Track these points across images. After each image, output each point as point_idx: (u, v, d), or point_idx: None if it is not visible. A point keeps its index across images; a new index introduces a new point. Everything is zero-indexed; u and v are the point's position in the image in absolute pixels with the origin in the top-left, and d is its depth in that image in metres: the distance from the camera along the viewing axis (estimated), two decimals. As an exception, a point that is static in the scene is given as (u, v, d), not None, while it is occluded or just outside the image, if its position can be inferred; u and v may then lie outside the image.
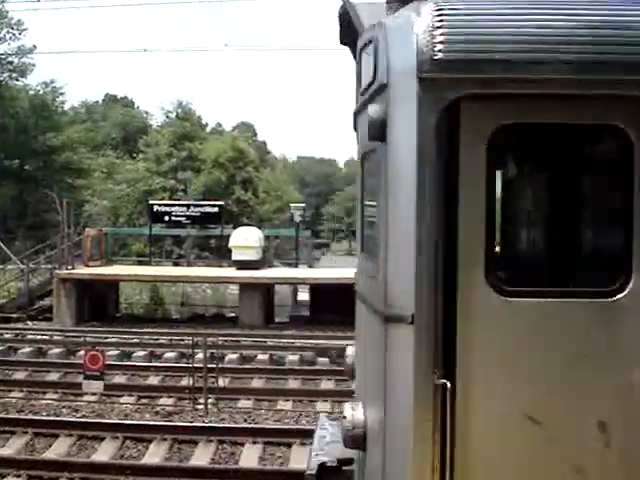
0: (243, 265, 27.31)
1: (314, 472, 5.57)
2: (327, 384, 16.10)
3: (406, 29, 3.75)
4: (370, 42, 4.33)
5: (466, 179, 3.67)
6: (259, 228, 33.52)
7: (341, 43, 6.08)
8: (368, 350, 4.59)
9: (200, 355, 14.57)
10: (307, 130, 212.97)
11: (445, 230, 3.68)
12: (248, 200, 56.31)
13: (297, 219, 36.87)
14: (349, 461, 5.34)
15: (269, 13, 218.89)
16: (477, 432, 3.68)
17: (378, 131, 3.90)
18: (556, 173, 4.05)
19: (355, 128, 5.58)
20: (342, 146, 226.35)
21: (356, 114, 5.19)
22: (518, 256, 4.14)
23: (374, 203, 4.35)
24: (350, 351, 6.37)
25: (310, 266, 38.84)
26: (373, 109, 3.90)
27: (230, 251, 29.21)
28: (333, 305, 24.35)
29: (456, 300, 3.65)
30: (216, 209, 34.79)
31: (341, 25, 5.69)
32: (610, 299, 3.67)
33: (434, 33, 3.65)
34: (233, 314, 27.70)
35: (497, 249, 3.84)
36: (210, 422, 12.60)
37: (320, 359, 18.52)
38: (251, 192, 57.22)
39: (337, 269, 34.85)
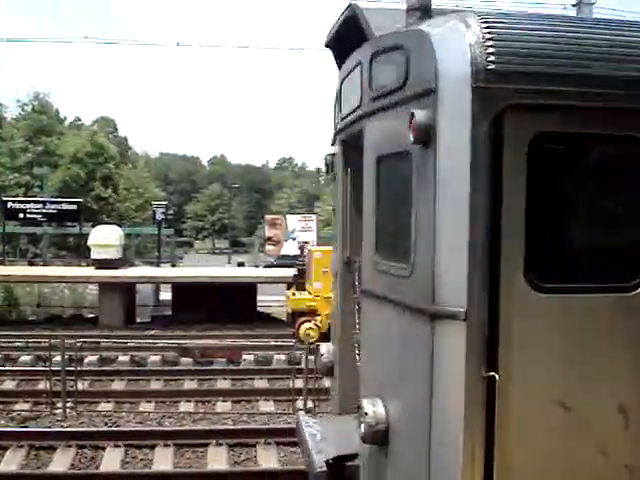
0: (103, 264, 26.66)
1: (324, 469, 5.60)
2: (190, 384, 16.03)
3: (457, 39, 3.97)
4: (398, 47, 4.53)
5: (509, 183, 3.91)
6: (119, 226, 32.89)
7: (327, 46, 6.43)
8: (391, 346, 4.69)
9: (58, 358, 14.17)
10: (170, 126, 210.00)
11: (491, 231, 3.91)
12: (108, 197, 55.10)
13: (159, 217, 36.45)
14: (351, 457, 5.50)
15: (132, 5, 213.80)
16: (516, 418, 3.94)
17: (424, 135, 4.02)
18: (589, 180, 4.36)
19: (339, 130, 6.13)
20: (205, 144, 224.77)
21: (358, 118, 5.40)
22: (553, 256, 4.33)
23: (403, 205, 4.43)
24: (325, 349, 6.65)
25: (173, 265, 38.52)
26: (420, 114, 3.99)
27: (89, 250, 28.55)
28: (196, 304, 24.37)
29: (499, 297, 3.90)
30: (74, 206, 33.84)
31: (338, 31, 5.94)
32: (631, 293, 4.10)
33: (486, 44, 3.88)
34: (92, 315, 26.94)
35: (535, 249, 4.04)
36: (69, 427, 12.29)
37: (183, 359, 18.42)
38: (111, 189, 56.02)
39: (200, 268, 34.78)
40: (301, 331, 19.41)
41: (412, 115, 4.05)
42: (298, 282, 22.99)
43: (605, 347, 4.12)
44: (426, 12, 4.61)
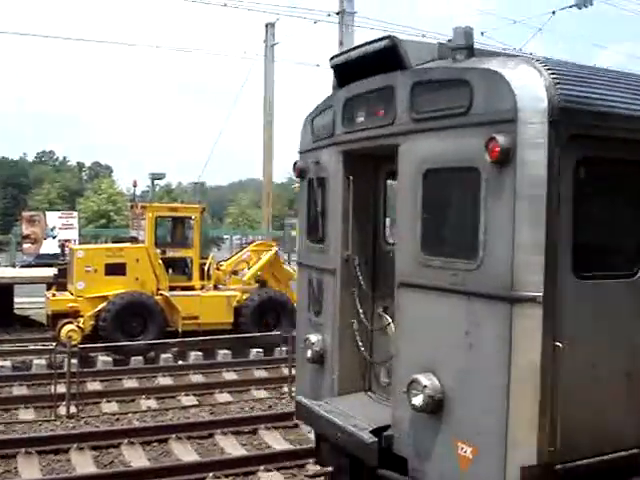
0: None
1: (375, 439, 6.25)
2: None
3: (534, 82, 5.27)
4: (461, 81, 5.60)
5: (564, 194, 5.25)
6: None
7: (333, 67, 7.29)
8: (449, 327, 5.68)
9: None
10: None
11: (555, 231, 5.20)
12: None
13: None
14: (384, 428, 6.36)
15: None
16: (574, 377, 5.36)
17: (504, 156, 5.14)
18: (618, 196, 5.94)
19: (338, 142, 7.19)
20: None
21: (385, 135, 6.47)
22: (596, 251, 5.82)
23: (464, 211, 5.77)
24: (315, 339, 7.56)
25: None
26: (501, 139, 5.12)
27: None
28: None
29: (558, 284, 5.22)
30: None
31: (364, 56, 6.75)
32: (634, 278, 5.79)
33: (557, 88, 5.24)
34: None
35: (581, 246, 5.44)
36: None
37: None
38: None
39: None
40: (62, 333, 18.62)
41: (493, 139, 5.16)
42: (59, 282, 22.06)
43: (624, 315, 5.75)
44: (471, 51, 5.81)
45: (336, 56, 7.37)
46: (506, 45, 19.08)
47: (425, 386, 5.69)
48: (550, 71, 5.34)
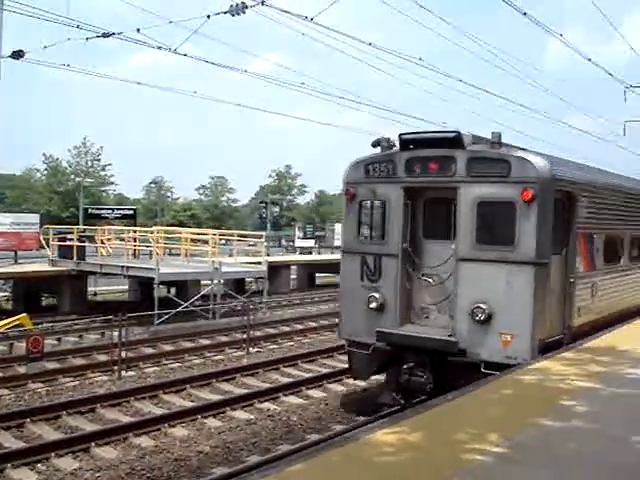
0: None
1: (454, 339, 11.23)
2: None
3: (545, 165, 11.05)
4: (503, 160, 11.06)
5: (552, 215, 11.16)
6: None
7: (402, 139, 12.13)
8: (496, 278, 10.98)
9: None
10: None
11: (550, 234, 11.10)
12: None
13: None
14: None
15: None
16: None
17: (530, 198, 10.69)
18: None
19: (402, 182, 12.08)
20: None
21: (446, 182, 11.64)
22: (556, 242, 11.63)
23: (504, 224, 11.16)
24: (378, 295, 12.18)
25: None
26: (529, 190, 10.75)
27: None
28: None
29: (551, 257, 11.30)
30: None
31: (429, 139, 12.04)
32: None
33: (555, 169, 11.34)
34: None
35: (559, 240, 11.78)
36: None
37: None
38: None
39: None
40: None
41: (525, 189, 10.72)
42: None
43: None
44: (500, 143, 11.34)
45: (406, 134, 12.17)
46: (162, 44, 19.45)
47: (484, 309, 10.98)
48: (549, 159, 11.46)
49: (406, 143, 12.04)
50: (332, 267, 42.03)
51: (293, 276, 39.98)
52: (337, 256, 46.91)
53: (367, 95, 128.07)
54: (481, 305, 10.92)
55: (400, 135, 12.06)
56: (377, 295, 12.16)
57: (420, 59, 25.92)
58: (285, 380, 16.13)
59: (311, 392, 15.12)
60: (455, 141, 11.45)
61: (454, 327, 11.31)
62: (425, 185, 12.00)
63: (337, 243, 60.54)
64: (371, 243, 12.62)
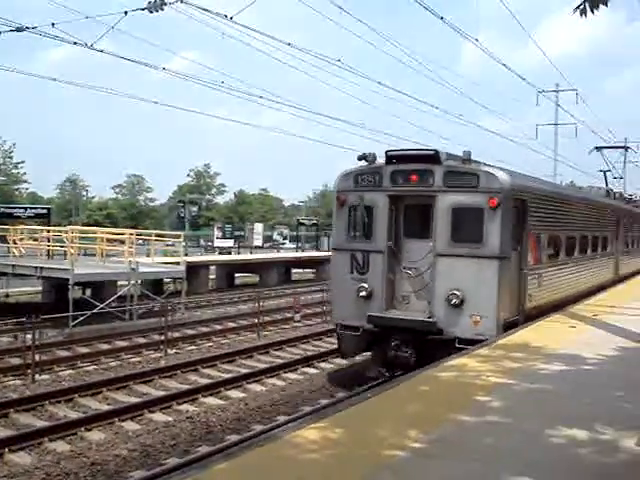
0: None
1: (433, 320, 13.35)
2: None
3: (506, 178, 13.41)
4: (473, 173, 13.30)
5: (510, 218, 13.58)
6: None
7: (388, 155, 14.22)
8: (468, 270, 13.19)
9: None
10: None
11: (509, 233, 13.52)
12: None
13: None
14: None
15: None
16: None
17: (496, 205, 12.93)
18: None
19: (387, 190, 14.17)
20: None
21: (425, 190, 13.76)
22: (514, 239, 14.04)
23: (475, 226, 13.27)
24: (366, 285, 14.16)
25: None
26: (495, 199, 12.97)
27: None
28: None
29: (511, 252, 13.75)
30: None
31: (409, 156, 14.27)
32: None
33: (512, 181, 13.69)
34: None
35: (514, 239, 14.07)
36: None
37: None
38: None
39: None
40: None
41: (492, 198, 12.94)
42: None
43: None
44: (470, 159, 13.50)
45: (393, 151, 14.42)
46: (78, 40, 19.25)
47: (458, 295, 13.16)
48: (509, 173, 13.95)
49: (391, 158, 14.13)
50: (251, 267, 42.31)
51: (212, 276, 39.78)
52: (256, 256, 47.50)
53: (287, 95, 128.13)
54: (455, 292, 13.14)
55: (386, 152, 14.25)
56: (366, 285, 14.19)
57: (339, 60, 26.38)
58: (204, 381, 16.04)
59: (230, 393, 15.10)
60: (433, 158, 13.59)
61: (432, 310, 13.49)
62: (407, 193, 14.15)
63: (257, 243, 60.82)
64: (360, 242, 14.44)
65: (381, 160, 14.33)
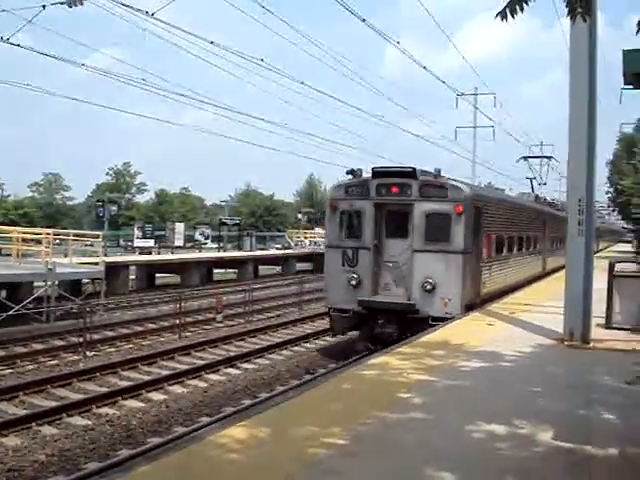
0: None
1: (413, 302, 16.83)
2: None
3: (470, 191, 17.46)
4: (443, 186, 16.94)
5: (472, 221, 17.16)
6: None
7: (374, 171, 17.94)
8: (440, 262, 16.72)
9: None
10: None
11: (471, 233, 17.19)
12: None
13: None
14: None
15: None
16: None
17: (461, 212, 16.52)
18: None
19: (372, 198, 17.90)
20: None
21: (403, 199, 17.43)
22: (476, 237, 17.72)
23: (444, 228, 16.88)
24: (355, 276, 17.72)
25: None
26: (460, 207, 16.59)
27: None
28: None
29: (472, 247, 17.32)
30: None
31: (390, 172, 18.13)
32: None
33: (475, 193, 18.27)
34: None
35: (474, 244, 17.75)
36: None
37: None
38: None
39: None
40: None
41: (457, 206, 16.55)
42: None
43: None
44: (440, 175, 17.31)
45: (378, 168, 17.93)
46: None
47: (431, 282, 16.65)
48: (469, 186, 18.64)
49: (376, 174, 17.70)
50: (172, 267, 41.81)
51: (132, 277, 39.12)
52: (178, 256, 47.11)
53: (210, 95, 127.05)
54: (429, 280, 16.70)
55: (373, 168, 17.85)
56: (355, 275, 17.73)
57: (262, 60, 26.41)
58: (124, 384, 15.78)
59: (151, 395, 14.92)
60: (411, 174, 17.19)
61: (410, 295, 17.06)
62: (389, 202, 17.65)
63: (178, 243, 60.06)
64: (350, 240, 18.00)
65: (367, 174, 17.77)
